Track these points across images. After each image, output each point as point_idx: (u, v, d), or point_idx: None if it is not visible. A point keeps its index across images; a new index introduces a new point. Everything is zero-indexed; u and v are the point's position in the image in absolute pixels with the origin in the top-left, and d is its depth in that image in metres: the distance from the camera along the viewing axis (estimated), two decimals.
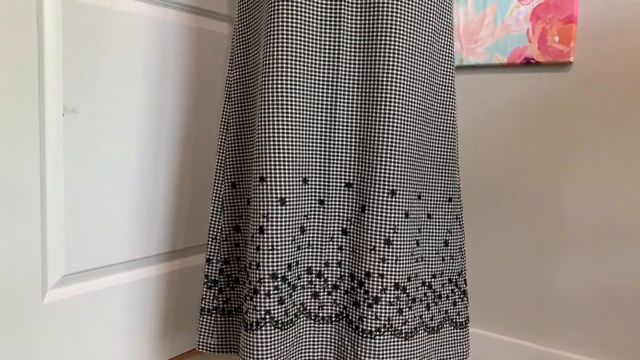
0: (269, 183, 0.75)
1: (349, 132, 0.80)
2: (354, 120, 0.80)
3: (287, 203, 0.76)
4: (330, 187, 0.81)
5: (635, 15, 1.02)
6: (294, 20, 0.77)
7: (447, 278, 0.90)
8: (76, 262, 0.97)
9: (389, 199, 0.77)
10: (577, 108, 1.08)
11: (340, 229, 0.82)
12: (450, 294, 0.91)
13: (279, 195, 0.75)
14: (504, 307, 1.19)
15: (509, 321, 1.18)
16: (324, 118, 0.80)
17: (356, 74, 0.80)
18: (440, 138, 0.89)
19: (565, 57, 1.07)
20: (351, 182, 0.81)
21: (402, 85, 0.78)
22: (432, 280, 0.87)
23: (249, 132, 0.88)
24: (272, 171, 0.75)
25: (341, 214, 0.81)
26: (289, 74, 0.77)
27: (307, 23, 0.78)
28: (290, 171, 0.76)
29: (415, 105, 0.80)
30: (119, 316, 1.05)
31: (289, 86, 0.77)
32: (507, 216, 1.17)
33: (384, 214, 0.77)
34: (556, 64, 1.10)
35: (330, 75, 0.80)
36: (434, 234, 0.88)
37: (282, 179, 0.76)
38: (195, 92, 1.15)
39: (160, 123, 1.09)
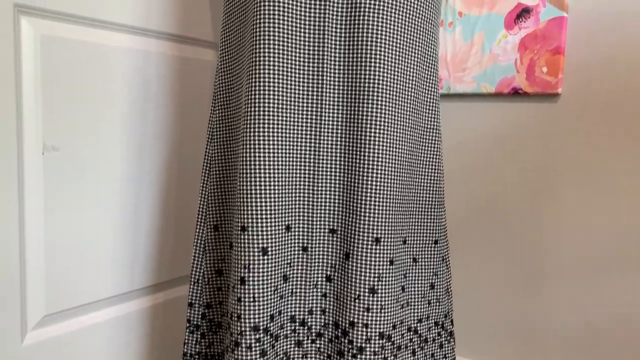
0: (250, 233, 0.74)
1: (333, 177, 0.79)
2: (338, 165, 0.79)
3: (269, 253, 0.75)
4: (314, 234, 0.80)
5: (621, 49, 1.01)
6: (274, 69, 0.75)
7: (433, 321, 0.89)
8: (57, 302, 0.95)
9: (373, 246, 0.76)
10: (565, 140, 1.08)
11: (324, 276, 0.80)
12: (436, 337, 0.90)
13: (260, 246, 0.74)
14: (489, 338, 1.18)
15: (494, 353, 1.17)
16: (307, 163, 0.79)
17: (340, 115, 0.78)
18: (427, 179, 0.88)
19: (553, 89, 1.06)
20: (335, 228, 0.79)
21: (387, 130, 0.76)
22: (418, 325, 0.86)
23: (231, 175, 0.87)
24: (254, 220, 0.74)
25: (325, 261, 0.80)
26: (271, 120, 0.75)
27: (289, 66, 0.76)
28: (273, 220, 0.75)
29: (401, 149, 0.79)
30: (101, 354, 1.03)
31: (271, 132, 0.75)
32: (494, 246, 1.16)
33: (368, 263, 0.76)
34: (544, 95, 1.09)
35: (314, 120, 0.78)
36: (420, 278, 0.87)
37: (264, 229, 0.74)
38: (180, 123, 1.14)
39: (144, 154, 1.07)
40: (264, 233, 0.74)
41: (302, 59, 0.77)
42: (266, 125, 0.75)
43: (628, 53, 1.00)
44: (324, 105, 0.78)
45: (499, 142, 1.15)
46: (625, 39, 1.01)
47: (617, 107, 1.02)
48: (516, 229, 1.14)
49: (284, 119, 0.76)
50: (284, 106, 0.76)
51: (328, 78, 0.78)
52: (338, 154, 0.79)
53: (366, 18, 0.75)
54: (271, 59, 0.75)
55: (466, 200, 1.20)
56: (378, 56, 0.76)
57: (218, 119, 0.89)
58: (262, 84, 0.74)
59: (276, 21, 0.75)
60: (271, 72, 0.75)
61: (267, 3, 0.74)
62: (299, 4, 0.76)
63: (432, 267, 0.89)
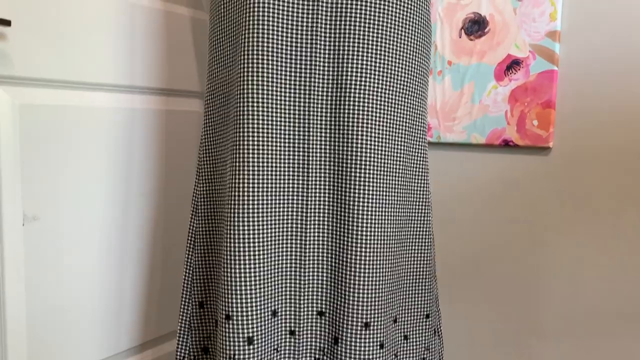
0: (235, 322, 0.71)
1: (321, 258, 0.77)
2: (326, 246, 0.76)
3: (255, 342, 0.72)
4: (302, 317, 0.77)
5: (612, 103, 0.99)
6: (257, 151, 0.73)
7: None
8: None
9: (363, 331, 0.74)
10: (557, 193, 1.06)
11: (313, 359, 0.78)
12: None
13: (246, 335, 0.72)
14: None
15: None
16: (294, 244, 0.76)
17: (328, 195, 0.76)
18: (417, 253, 0.86)
19: (544, 142, 1.05)
20: (323, 310, 0.77)
21: (377, 210, 0.74)
22: None
23: (216, 252, 0.84)
24: (239, 309, 0.72)
25: (314, 344, 0.78)
26: (256, 203, 0.73)
27: (273, 141, 0.74)
28: (259, 307, 0.73)
29: (392, 227, 0.77)
30: None
31: (256, 215, 0.73)
32: (483, 300, 1.15)
33: (357, 348, 0.74)
34: (535, 147, 1.07)
35: (300, 198, 0.76)
36: (411, 355, 0.85)
37: (250, 317, 0.72)
38: (165, 181, 1.11)
39: (128, 215, 1.04)
40: (250, 322, 0.72)
41: (287, 139, 0.75)
42: (251, 208, 0.73)
43: (619, 107, 0.99)
44: (309, 182, 0.76)
45: (489, 194, 1.13)
46: (616, 93, 0.99)
47: (609, 161, 1.01)
48: (506, 281, 1.12)
49: (269, 200, 0.74)
50: (269, 187, 0.74)
51: (315, 151, 0.76)
52: (325, 234, 0.76)
53: (354, 84, 0.74)
54: (254, 148, 0.73)
55: (455, 252, 1.18)
56: (366, 127, 0.74)
57: (202, 193, 0.87)
58: (245, 166, 0.72)
59: (261, 105, 0.73)
60: (254, 154, 0.73)
61: (251, 82, 0.72)
62: (281, 71, 0.74)
63: (424, 342, 0.87)
